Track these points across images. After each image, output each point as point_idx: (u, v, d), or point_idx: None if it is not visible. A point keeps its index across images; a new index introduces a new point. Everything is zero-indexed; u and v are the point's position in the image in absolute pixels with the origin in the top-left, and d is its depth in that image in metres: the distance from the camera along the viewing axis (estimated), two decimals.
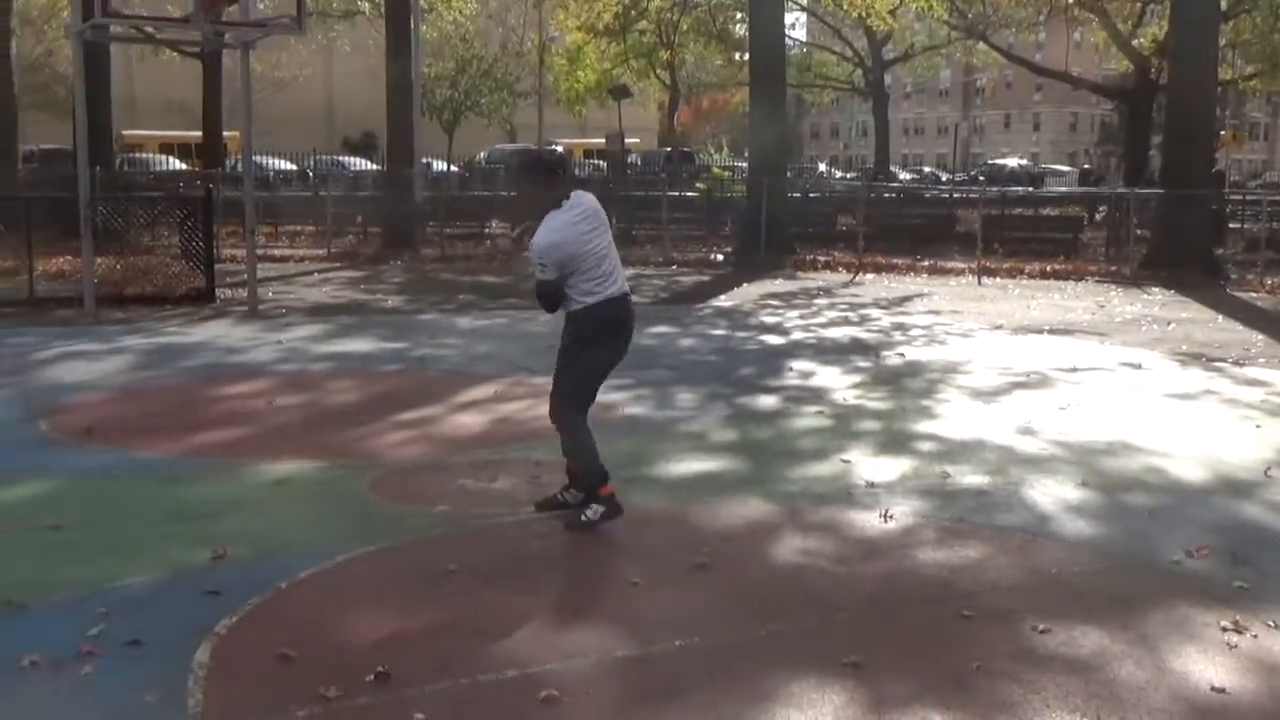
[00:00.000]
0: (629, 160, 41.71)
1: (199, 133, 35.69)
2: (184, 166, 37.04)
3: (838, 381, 10.51)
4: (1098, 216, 29.82)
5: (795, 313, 15.76)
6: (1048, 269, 21.46)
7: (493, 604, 5.12)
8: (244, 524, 6.17)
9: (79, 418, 8.57)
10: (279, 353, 11.67)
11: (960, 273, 21.41)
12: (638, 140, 56.41)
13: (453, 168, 38.90)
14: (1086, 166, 58.54)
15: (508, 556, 5.75)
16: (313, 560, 5.57)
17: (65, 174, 28.57)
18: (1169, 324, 14.85)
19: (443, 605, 5.10)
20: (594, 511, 6.11)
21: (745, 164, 34.16)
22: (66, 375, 10.35)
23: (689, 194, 30.18)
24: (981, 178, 47.28)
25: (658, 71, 48.16)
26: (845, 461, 7.63)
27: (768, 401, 9.68)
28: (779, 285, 19.39)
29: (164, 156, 39.17)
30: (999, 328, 14.36)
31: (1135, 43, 36.14)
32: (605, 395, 9.63)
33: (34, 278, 15.53)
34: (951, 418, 9.02)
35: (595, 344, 6.12)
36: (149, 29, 17.18)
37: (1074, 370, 11.22)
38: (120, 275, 16.40)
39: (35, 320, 13.85)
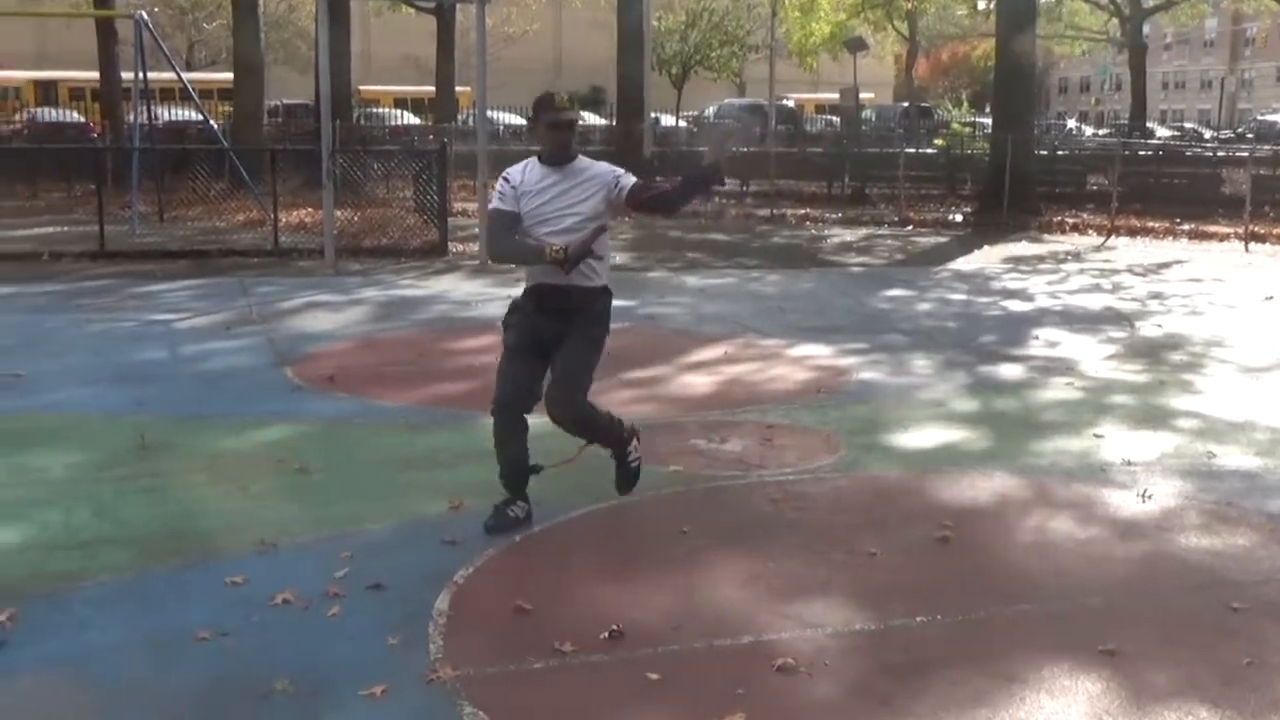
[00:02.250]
0: (863, 116, 41.03)
1: (432, 87, 36.87)
2: (417, 121, 38.33)
3: (1088, 352, 10.13)
4: None
5: (1041, 278, 15.25)
6: None
7: (726, 567, 5.15)
8: (479, 475, 6.35)
9: (322, 366, 9.01)
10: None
11: (1225, 238, 20.28)
12: (873, 95, 55.37)
13: (681, 123, 39.03)
14: None
15: (741, 519, 5.78)
16: (546, 514, 5.71)
17: (307, 128, 30.09)
18: None
19: (676, 566, 5.15)
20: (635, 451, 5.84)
21: (987, 119, 33.17)
22: (309, 324, 10.90)
23: (927, 151, 29.51)
24: (1250, 135, 44.59)
25: (895, 22, 47.15)
26: (1097, 436, 7.36)
27: (1011, 371, 9.41)
28: (1023, 248, 18.78)
29: (398, 111, 40.61)
30: (1269, 299, 13.55)
31: None
32: (838, 359, 9.64)
33: (278, 229, 16.38)
34: (1216, 394, 8.57)
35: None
36: None
37: None
38: (357, 227, 17.14)
39: (279, 270, 14.60)
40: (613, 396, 8.29)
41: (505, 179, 5.39)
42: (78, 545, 5.28)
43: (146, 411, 7.60)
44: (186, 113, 28.36)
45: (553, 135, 5.32)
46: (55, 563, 5.08)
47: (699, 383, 8.82)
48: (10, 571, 4.96)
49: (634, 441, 5.87)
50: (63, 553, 5.19)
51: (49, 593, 4.75)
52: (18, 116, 34.04)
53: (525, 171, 5.39)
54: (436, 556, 5.17)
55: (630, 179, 5.42)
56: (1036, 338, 10.83)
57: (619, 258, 16.54)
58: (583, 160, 5.43)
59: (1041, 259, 17.41)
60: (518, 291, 5.66)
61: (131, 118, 21.54)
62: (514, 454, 5.49)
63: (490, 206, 5.37)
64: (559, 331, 5.44)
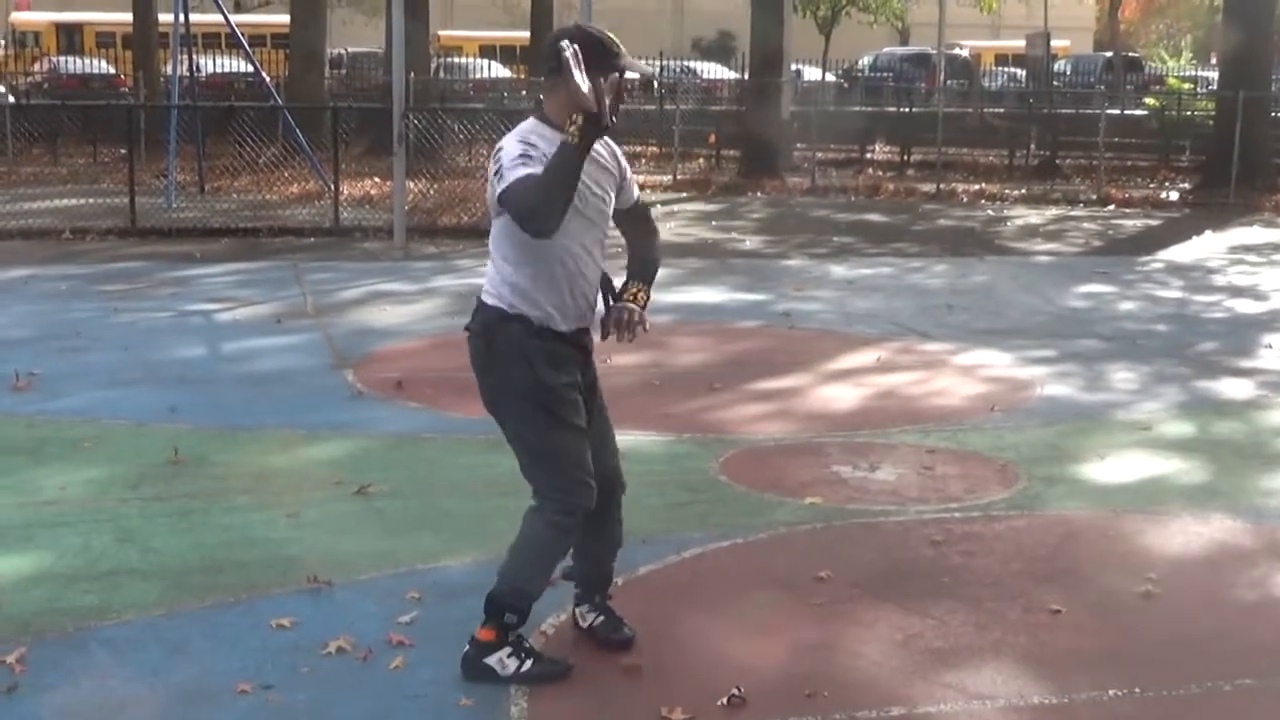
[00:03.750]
0: (1056, 68, 40.46)
1: (525, 33, 37.27)
2: (507, 73, 38.72)
3: None
4: None
5: (1277, 271, 14.96)
6: None
7: (873, 622, 5.14)
8: None
9: (388, 369, 9.18)
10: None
11: None
12: (1068, 43, 54.59)
13: (829, 76, 38.89)
14: None
15: (893, 565, 5.76)
16: (654, 553, 5.76)
17: (376, 82, 30.58)
18: None
19: (811, 619, 5.16)
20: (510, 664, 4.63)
21: (1213, 74, 32.50)
22: (374, 319, 11.11)
23: (1135, 112, 29.02)
24: None
25: None
26: None
27: (1237, 387, 9.25)
28: (1255, 234, 18.42)
29: (484, 61, 41.04)
30: None
31: None
32: (1018, 369, 9.55)
33: (339, 203, 16.69)
34: None
35: None
36: None
37: None
38: (433, 202, 17.40)
39: (339, 252, 14.90)
40: (739, 411, 8.34)
41: (529, 143, 4.39)
42: (98, 577, 5.45)
43: (181, 420, 7.80)
44: (234, 63, 28.99)
45: (614, 97, 4.44)
46: (72, 597, 5.25)
47: (844, 396, 8.81)
48: (21, 606, 5.14)
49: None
50: (81, 585, 5.36)
51: (64, 632, 4.91)
52: (36, 67, 35.12)
53: (546, 144, 4.37)
54: None
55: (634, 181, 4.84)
56: (1269, 346, 10.63)
57: (748, 241, 16.59)
58: None
59: (1278, 248, 17.05)
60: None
61: (169, 69, 22.12)
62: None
63: (520, 173, 4.30)
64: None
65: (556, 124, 4.41)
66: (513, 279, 4.50)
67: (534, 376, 4.52)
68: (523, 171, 4.30)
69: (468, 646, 4.57)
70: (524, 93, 29.61)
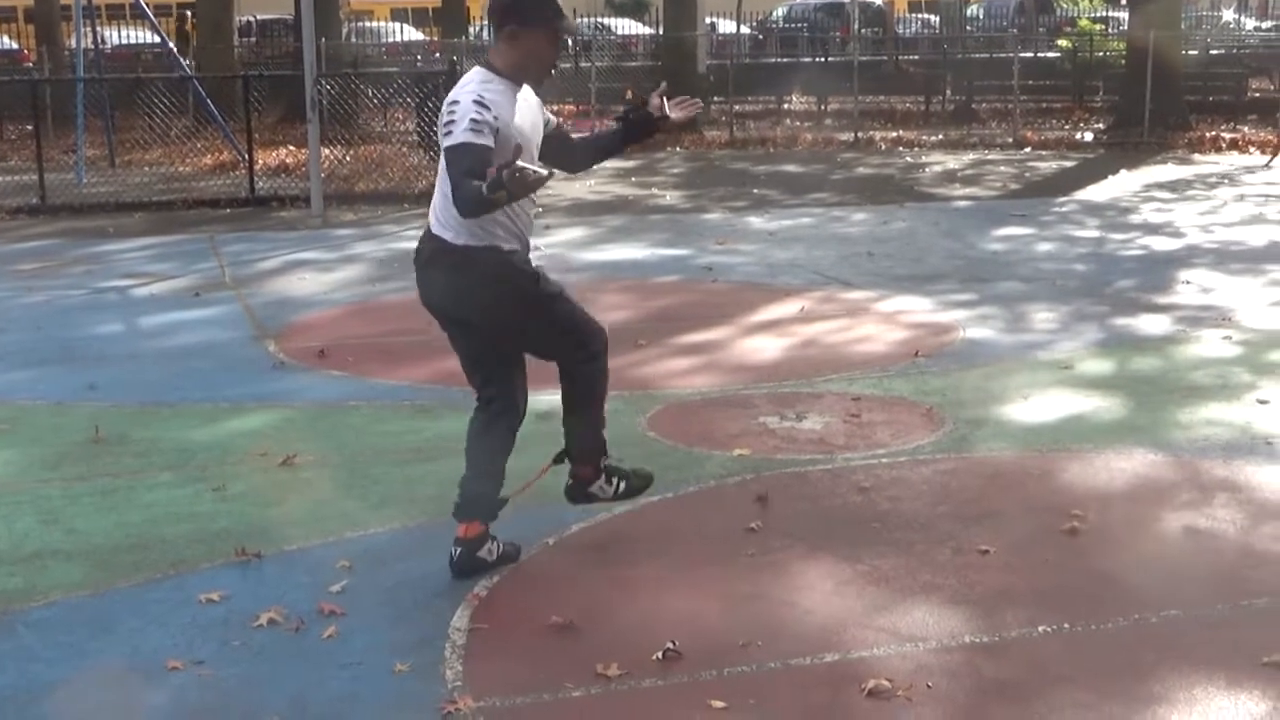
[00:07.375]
0: (968, 13, 40.65)
1: None
2: (420, 36, 38.41)
3: (1249, 298, 10.07)
4: None
5: (1190, 207, 15.15)
6: None
7: (804, 570, 5.17)
8: None
9: (310, 338, 9.11)
10: (534, 261, 12.00)
11: None
12: None
13: (744, 29, 38.84)
14: None
15: (822, 512, 5.79)
16: (585, 511, 5.72)
17: (287, 48, 30.24)
18: None
19: (743, 570, 5.18)
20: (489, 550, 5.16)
21: (1123, 14, 32.80)
22: (294, 288, 11.02)
23: (1048, 55, 29.25)
24: None
25: None
26: (1261, 402, 7.31)
27: (1154, 323, 9.36)
28: (1168, 171, 18.63)
29: (396, 25, 40.71)
30: None
31: None
32: (940, 314, 9.62)
33: (254, 173, 16.52)
34: None
35: None
36: None
37: None
38: (349, 169, 17.26)
39: (256, 223, 14.77)
40: (664, 366, 8.35)
41: (483, 103, 4.73)
42: (22, 559, 5.37)
43: (101, 398, 7.71)
44: (139, 34, 28.56)
45: (554, 51, 5.11)
46: None
47: (769, 347, 8.84)
48: None
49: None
50: (4, 568, 5.28)
51: None
52: None
53: (500, 95, 4.82)
54: None
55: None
56: (1185, 282, 10.77)
57: (668, 196, 16.60)
58: None
59: (1190, 184, 17.29)
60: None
61: (73, 42, 21.75)
62: None
63: (466, 139, 4.69)
64: None
65: (508, 75, 4.88)
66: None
67: (518, 283, 5.14)
68: (470, 139, 4.68)
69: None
70: (437, 55, 29.31)
